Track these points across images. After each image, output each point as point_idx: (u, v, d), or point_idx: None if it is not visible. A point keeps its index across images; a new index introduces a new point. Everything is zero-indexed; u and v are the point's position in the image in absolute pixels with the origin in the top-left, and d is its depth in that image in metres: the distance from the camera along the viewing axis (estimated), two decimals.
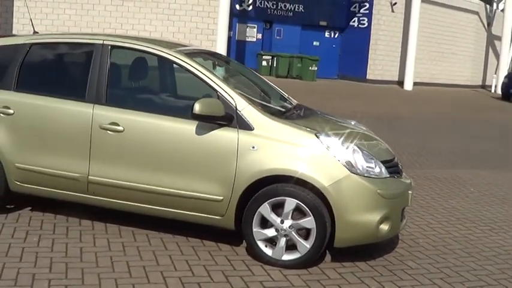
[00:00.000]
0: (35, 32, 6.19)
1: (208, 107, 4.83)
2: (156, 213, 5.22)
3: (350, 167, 4.89)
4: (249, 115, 4.97)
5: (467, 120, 19.75)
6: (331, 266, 5.12)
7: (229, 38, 24.91)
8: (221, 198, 4.94)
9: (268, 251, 4.96)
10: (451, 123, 18.22)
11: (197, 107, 4.79)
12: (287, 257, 4.94)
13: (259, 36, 28.63)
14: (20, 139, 5.41)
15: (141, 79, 5.98)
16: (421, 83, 29.09)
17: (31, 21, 6.54)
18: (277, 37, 29.05)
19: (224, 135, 4.94)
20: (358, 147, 5.06)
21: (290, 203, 4.84)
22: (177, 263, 4.82)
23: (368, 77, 29.36)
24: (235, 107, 4.97)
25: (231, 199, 4.92)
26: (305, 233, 4.91)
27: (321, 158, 4.88)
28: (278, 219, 4.90)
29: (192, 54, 5.45)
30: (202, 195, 4.98)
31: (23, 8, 20.82)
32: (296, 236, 4.90)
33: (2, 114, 5.45)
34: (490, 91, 33.91)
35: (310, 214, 4.82)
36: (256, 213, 4.91)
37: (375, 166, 5.06)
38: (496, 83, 33.12)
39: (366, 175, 4.95)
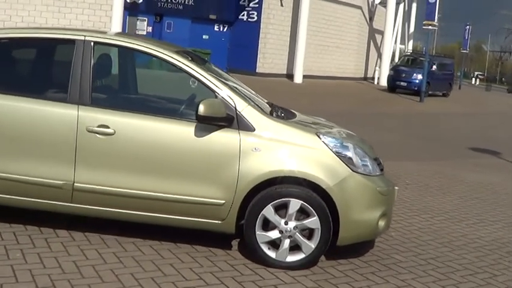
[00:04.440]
0: None
1: (212, 108, 4.63)
2: (150, 220, 4.94)
3: (351, 165, 4.90)
4: (249, 116, 4.82)
5: (364, 112, 20.51)
6: (329, 264, 5.10)
7: None
8: (223, 202, 4.77)
9: (271, 254, 4.86)
10: (351, 115, 18.79)
11: (202, 108, 4.58)
12: (291, 258, 4.87)
13: (150, 29, 28.02)
14: None
15: (127, 78, 5.63)
16: (308, 76, 29.73)
17: None
18: (168, 30, 28.57)
19: (225, 137, 4.76)
20: (356, 146, 5.09)
21: (294, 204, 4.77)
22: (184, 272, 4.59)
23: (258, 70, 29.58)
24: (235, 108, 4.81)
25: (234, 202, 4.76)
26: (308, 233, 4.86)
27: (324, 157, 4.84)
28: (282, 221, 4.81)
29: (182, 53, 5.19)
30: (202, 199, 4.77)
31: None
32: (300, 237, 4.83)
33: None
34: (373, 83, 35.39)
35: (315, 214, 4.78)
36: (260, 215, 4.79)
37: (369, 164, 5.10)
38: (379, 75, 34.58)
39: (364, 173, 4.98)
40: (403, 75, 29.88)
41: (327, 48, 32.52)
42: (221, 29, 30.77)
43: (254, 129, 4.79)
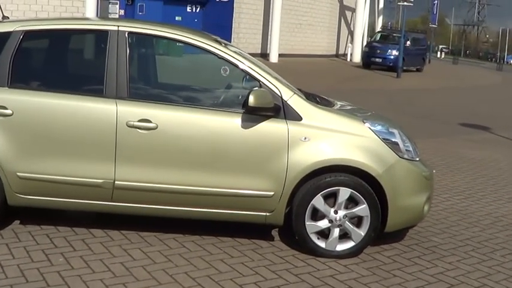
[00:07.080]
0: (4, 17, 5.30)
1: (261, 99, 4.51)
2: (193, 215, 4.79)
3: (398, 151, 4.84)
4: (295, 105, 4.71)
5: (345, 89, 20.43)
6: (374, 251, 5.06)
7: None
8: (272, 193, 4.66)
9: (321, 243, 4.79)
10: (333, 93, 18.69)
11: (252, 99, 4.45)
12: (341, 247, 4.81)
13: (122, 12, 27.36)
14: (22, 144, 4.62)
15: (163, 69, 5.44)
16: (282, 54, 29.61)
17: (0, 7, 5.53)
18: (140, 13, 28.06)
19: (273, 127, 4.64)
20: (400, 131, 5.03)
21: (344, 193, 4.69)
22: (238, 268, 4.48)
23: None
24: (281, 97, 4.69)
25: (283, 194, 4.66)
26: (357, 221, 4.80)
27: (372, 144, 4.77)
28: (331, 210, 4.73)
29: (219, 41, 5.03)
30: (250, 192, 4.66)
31: None
32: (350, 225, 4.77)
33: None
34: (346, 60, 35.42)
35: (364, 202, 4.72)
36: (309, 205, 4.70)
37: (411, 149, 5.05)
38: (352, 51, 34.62)
39: (409, 158, 4.93)
40: (378, 51, 30.03)
41: (300, 26, 32.41)
42: (194, 10, 30.33)
43: (301, 119, 4.68)
